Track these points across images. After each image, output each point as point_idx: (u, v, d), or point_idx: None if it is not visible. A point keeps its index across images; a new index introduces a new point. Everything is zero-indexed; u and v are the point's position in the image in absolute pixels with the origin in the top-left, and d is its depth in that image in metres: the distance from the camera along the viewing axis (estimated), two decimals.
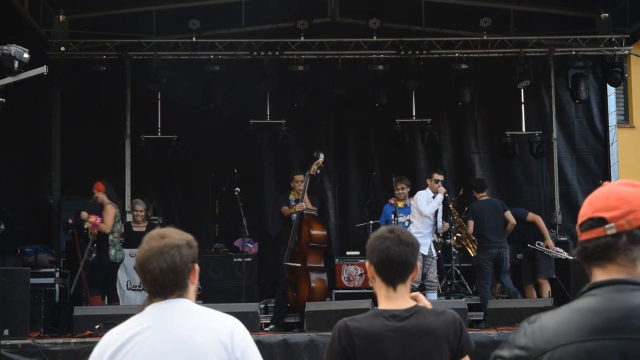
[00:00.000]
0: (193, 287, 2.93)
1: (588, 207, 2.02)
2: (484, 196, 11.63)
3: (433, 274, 10.84)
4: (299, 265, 10.92)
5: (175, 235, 2.92)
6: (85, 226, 10.62)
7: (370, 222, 12.40)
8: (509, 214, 11.49)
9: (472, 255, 12.25)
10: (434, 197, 10.89)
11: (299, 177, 11.31)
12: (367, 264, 3.36)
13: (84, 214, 10.67)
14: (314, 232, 11.06)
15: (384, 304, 3.31)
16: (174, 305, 2.87)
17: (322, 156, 11.14)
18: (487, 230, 11.30)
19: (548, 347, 1.91)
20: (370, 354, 3.20)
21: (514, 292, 11.02)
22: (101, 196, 10.91)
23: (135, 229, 11.69)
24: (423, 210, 10.78)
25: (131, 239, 11.36)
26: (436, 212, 10.95)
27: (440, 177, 11.08)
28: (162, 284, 2.85)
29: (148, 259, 2.85)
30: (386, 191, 12.51)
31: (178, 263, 2.85)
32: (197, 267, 2.94)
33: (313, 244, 11.05)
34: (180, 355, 2.79)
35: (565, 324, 1.92)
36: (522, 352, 1.93)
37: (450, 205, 12.42)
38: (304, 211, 10.98)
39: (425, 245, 10.64)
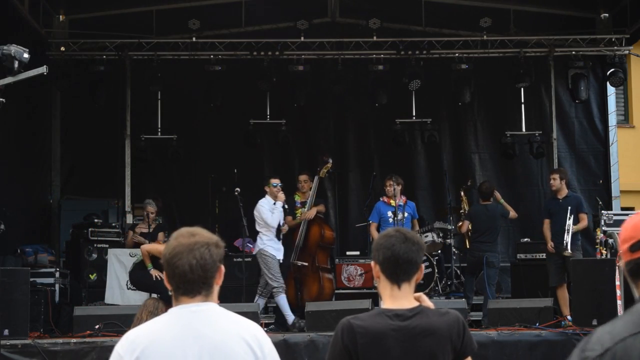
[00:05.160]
0: (217, 288, 2.92)
1: (635, 231, 2.23)
2: (487, 202, 11.75)
3: (276, 274, 10.57)
4: (306, 264, 10.98)
5: (205, 234, 2.91)
6: None
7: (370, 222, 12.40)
8: (512, 214, 11.69)
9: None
10: (274, 204, 10.69)
11: (303, 177, 11.33)
12: (372, 263, 3.36)
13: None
14: (325, 232, 11.16)
15: (388, 303, 3.30)
16: (203, 309, 2.86)
17: (331, 160, 11.20)
18: (478, 233, 11.56)
19: (610, 344, 2.13)
20: (373, 352, 3.20)
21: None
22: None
23: (144, 230, 11.56)
24: (268, 222, 10.52)
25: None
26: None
27: (277, 181, 10.83)
28: (191, 280, 2.83)
29: (177, 254, 2.84)
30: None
31: (208, 260, 2.84)
32: (223, 267, 2.92)
33: (323, 244, 11.14)
34: None
35: (621, 323, 2.16)
36: (590, 353, 2.16)
37: (462, 193, 12.82)
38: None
39: (280, 250, 10.59)
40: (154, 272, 10.16)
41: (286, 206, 10.76)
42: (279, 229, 10.59)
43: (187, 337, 2.81)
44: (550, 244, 10.97)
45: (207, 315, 2.85)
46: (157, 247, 10.38)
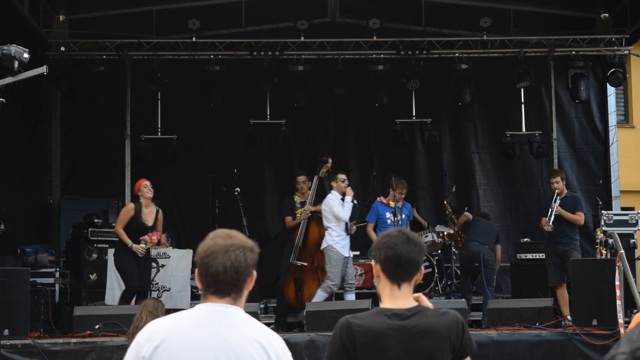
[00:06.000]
0: (246, 293, 2.92)
1: None
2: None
3: (352, 275, 10.81)
4: (305, 264, 10.99)
5: (241, 237, 2.92)
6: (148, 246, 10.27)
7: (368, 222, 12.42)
8: (498, 249, 11.95)
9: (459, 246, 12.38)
10: (342, 199, 10.72)
11: (301, 178, 11.33)
12: (372, 262, 3.36)
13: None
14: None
15: (387, 303, 3.31)
16: (228, 311, 2.87)
17: (330, 160, 11.21)
18: (474, 231, 11.78)
19: None
20: (371, 351, 3.20)
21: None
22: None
23: None
24: (340, 215, 10.57)
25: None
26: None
27: (344, 176, 10.96)
28: (223, 281, 2.85)
29: (212, 254, 2.85)
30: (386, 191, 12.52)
31: (242, 264, 2.85)
32: (255, 273, 2.93)
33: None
34: None
35: None
36: None
37: (445, 202, 12.67)
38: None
39: (346, 247, 10.63)
40: (136, 248, 10.04)
41: (355, 201, 10.80)
42: (347, 224, 10.66)
43: (207, 336, 2.82)
44: (544, 220, 10.87)
45: (231, 318, 2.86)
46: (121, 216, 10.29)
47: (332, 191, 10.80)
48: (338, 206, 10.59)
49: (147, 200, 10.24)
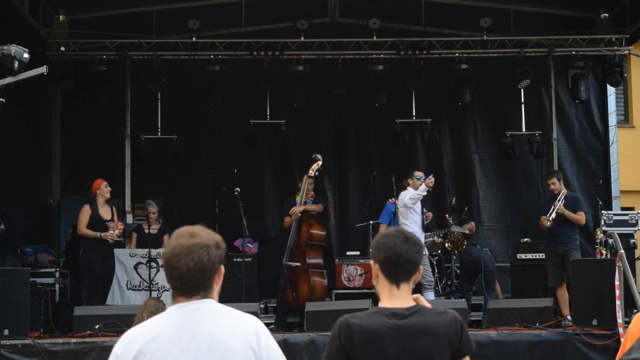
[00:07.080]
0: (217, 287, 2.93)
1: None
2: None
3: (428, 273, 10.87)
4: (298, 264, 10.97)
5: (205, 235, 2.91)
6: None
7: (370, 222, 12.42)
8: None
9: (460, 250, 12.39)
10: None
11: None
12: (371, 262, 3.37)
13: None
14: (313, 231, 11.13)
15: (385, 302, 3.31)
16: (200, 306, 2.87)
17: (320, 157, 11.20)
18: (476, 236, 12.02)
19: None
20: (370, 351, 3.20)
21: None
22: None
23: (146, 231, 11.70)
24: (405, 200, 10.68)
25: (144, 241, 11.37)
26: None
27: (421, 174, 11.08)
28: (188, 282, 2.85)
29: (176, 256, 2.85)
30: (386, 191, 12.51)
31: (206, 263, 2.84)
32: (222, 268, 2.93)
33: (312, 242, 11.11)
34: (212, 359, 2.79)
35: None
36: None
37: (447, 215, 12.55)
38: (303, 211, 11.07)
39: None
40: (106, 235, 10.56)
41: (419, 194, 10.74)
42: (422, 220, 10.83)
43: (184, 334, 2.82)
44: (544, 217, 10.89)
45: (204, 313, 2.86)
46: (81, 217, 10.75)
47: (409, 188, 10.87)
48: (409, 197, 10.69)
49: (102, 200, 10.83)
